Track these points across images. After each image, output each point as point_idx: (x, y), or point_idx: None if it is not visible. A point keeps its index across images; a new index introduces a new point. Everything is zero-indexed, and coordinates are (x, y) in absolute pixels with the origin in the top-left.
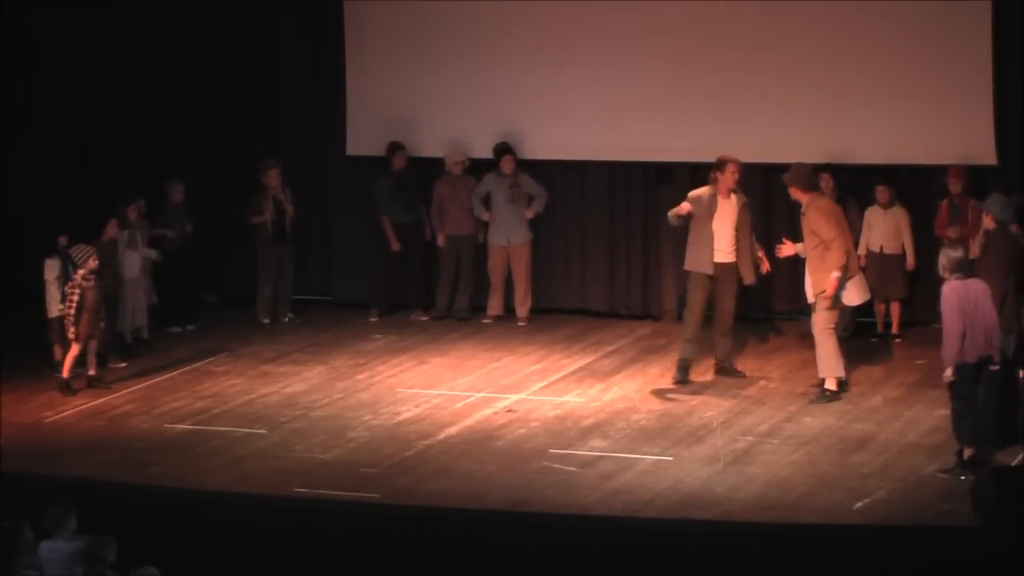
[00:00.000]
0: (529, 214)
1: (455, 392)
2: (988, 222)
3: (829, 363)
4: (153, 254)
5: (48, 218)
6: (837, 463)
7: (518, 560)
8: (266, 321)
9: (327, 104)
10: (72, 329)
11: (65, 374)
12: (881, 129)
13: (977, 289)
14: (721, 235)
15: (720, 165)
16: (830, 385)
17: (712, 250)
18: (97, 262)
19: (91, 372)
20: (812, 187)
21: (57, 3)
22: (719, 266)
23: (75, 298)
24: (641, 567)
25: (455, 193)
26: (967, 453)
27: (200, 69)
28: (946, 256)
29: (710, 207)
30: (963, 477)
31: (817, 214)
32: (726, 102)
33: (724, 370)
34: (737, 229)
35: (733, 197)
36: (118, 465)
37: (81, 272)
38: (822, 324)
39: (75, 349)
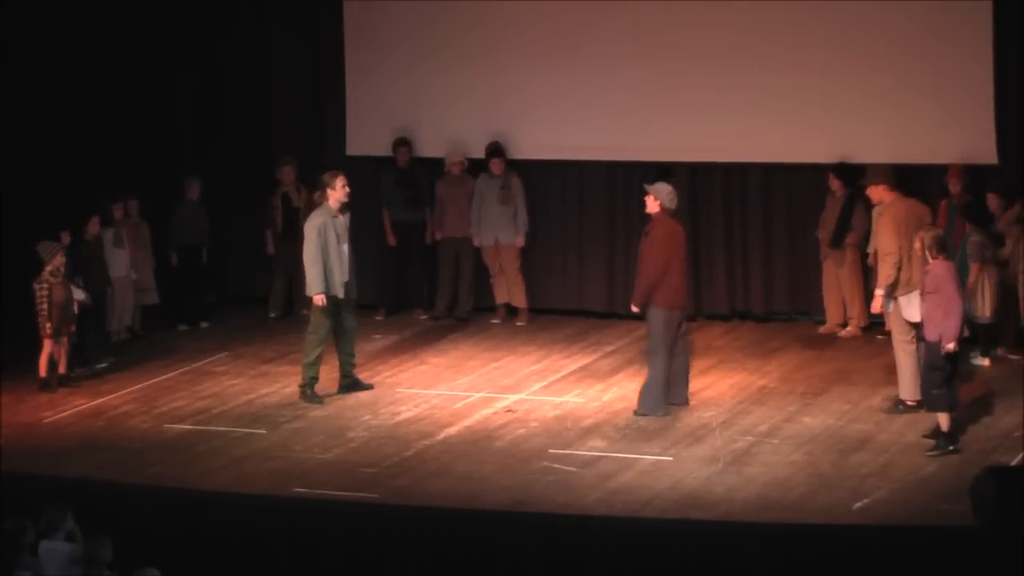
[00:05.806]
0: (520, 242)
1: (455, 392)
2: None
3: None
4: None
5: (49, 217)
6: (837, 463)
7: (518, 560)
8: (272, 315)
9: (327, 104)
10: (47, 326)
11: (42, 372)
12: (882, 129)
13: (952, 271)
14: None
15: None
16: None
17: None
18: (64, 259)
19: (61, 370)
20: (897, 188)
21: (58, 4)
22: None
23: (44, 294)
24: (641, 567)
25: (454, 194)
26: (945, 424)
27: (200, 69)
28: (930, 236)
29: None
30: (951, 448)
31: (886, 220)
32: (726, 102)
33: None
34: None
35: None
36: (117, 465)
37: (48, 268)
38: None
39: (48, 346)
